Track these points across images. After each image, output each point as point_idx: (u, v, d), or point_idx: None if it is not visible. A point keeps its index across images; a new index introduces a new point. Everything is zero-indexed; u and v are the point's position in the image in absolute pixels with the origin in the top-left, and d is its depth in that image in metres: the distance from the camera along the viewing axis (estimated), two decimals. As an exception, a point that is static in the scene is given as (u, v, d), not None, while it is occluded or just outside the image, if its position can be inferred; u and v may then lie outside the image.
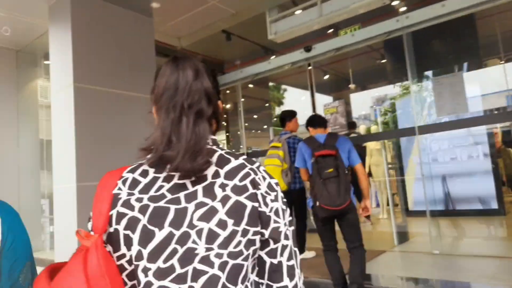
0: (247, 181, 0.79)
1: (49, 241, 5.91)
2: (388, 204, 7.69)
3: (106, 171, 0.84)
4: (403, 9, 4.19)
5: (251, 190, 0.78)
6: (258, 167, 0.84)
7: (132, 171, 0.82)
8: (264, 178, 0.82)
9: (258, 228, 0.77)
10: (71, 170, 3.49)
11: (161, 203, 0.76)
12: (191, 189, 0.77)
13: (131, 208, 0.76)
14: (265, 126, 10.13)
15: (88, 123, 3.62)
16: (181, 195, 0.77)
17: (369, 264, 3.78)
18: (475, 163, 5.87)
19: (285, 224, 0.81)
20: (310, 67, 5.42)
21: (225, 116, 11.47)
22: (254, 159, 0.88)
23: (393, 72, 7.82)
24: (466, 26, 4.90)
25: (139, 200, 0.77)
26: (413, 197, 6.86)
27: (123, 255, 0.75)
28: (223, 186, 0.77)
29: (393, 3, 4.51)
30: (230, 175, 0.79)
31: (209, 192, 0.77)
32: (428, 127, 4.52)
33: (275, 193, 0.82)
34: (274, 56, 5.42)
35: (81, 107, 3.57)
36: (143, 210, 0.75)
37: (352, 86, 8.16)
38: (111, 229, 0.76)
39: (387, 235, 5.75)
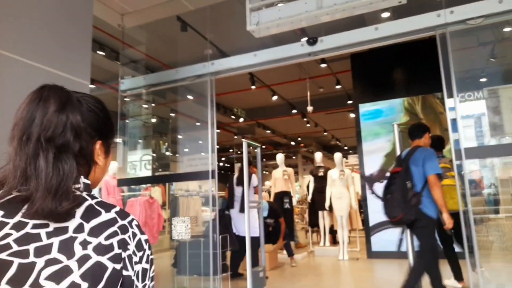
0: (114, 240, 0.66)
1: None
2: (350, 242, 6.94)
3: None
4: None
5: (116, 251, 0.66)
6: (130, 222, 0.72)
7: None
8: (135, 235, 0.71)
9: None
10: None
11: (3, 255, 0.60)
12: (45, 241, 0.63)
13: None
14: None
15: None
16: (31, 247, 0.62)
17: None
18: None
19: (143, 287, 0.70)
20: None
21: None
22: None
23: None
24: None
25: None
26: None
27: None
28: (84, 244, 0.64)
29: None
30: (95, 231, 0.66)
31: (66, 248, 0.63)
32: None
33: (141, 252, 0.71)
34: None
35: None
36: None
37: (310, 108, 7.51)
38: None
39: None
